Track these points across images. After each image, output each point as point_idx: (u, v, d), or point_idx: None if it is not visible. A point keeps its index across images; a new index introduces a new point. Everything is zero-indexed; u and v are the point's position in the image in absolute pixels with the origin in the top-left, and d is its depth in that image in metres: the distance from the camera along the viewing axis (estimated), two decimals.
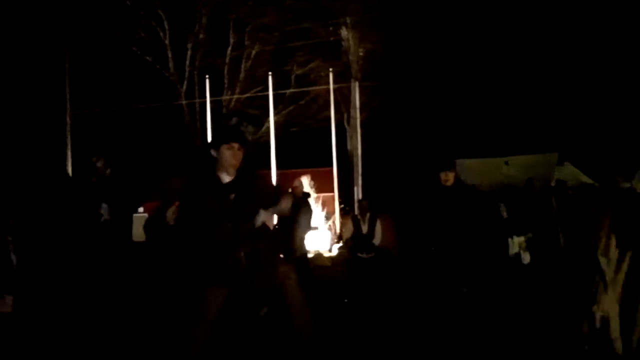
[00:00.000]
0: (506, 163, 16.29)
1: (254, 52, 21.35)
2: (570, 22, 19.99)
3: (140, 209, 7.57)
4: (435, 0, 20.55)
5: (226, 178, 4.02)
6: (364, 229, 9.07)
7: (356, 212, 13.24)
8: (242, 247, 3.95)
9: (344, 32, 21.44)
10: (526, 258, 10.94)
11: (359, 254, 8.90)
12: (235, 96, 20.81)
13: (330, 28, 21.32)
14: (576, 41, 20.15)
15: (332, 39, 21.30)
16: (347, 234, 9.27)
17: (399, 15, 20.11)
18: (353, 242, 9.03)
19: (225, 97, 20.83)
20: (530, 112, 20.70)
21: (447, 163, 6.43)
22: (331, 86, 20.02)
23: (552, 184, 14.96)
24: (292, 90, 21.31)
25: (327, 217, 20.06)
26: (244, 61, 21.56)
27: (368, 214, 9.27)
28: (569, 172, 15.43)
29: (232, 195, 4.00)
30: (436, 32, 20.65)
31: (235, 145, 4.00)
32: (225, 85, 21.39)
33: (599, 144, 18.24)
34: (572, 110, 20.25)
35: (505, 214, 10.83)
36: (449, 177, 6.23)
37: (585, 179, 15.13)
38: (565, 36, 20.34)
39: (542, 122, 20.27)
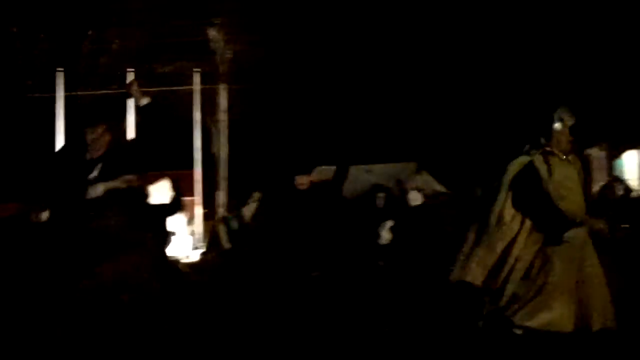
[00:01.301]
0: (367, 171, 16.62)
1: (114, 46, 20.37)
2: (423, 30, 20.63)
3: None
4: (304, 7, 20.61)
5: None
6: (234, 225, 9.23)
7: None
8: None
9: (212, 33, 20.97)
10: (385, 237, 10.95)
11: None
12: (91, 92, 19.73)
13: (198, 27, 20.79)
14: (435, 54, 20.88)
15: (199, 38, 20.74)
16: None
17: (270, 19, 19.97)
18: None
19: (80, 93, 19.69)
20: (391, 121, 21.20)
21: (302, 168, 6.67)
22: (197, 87, 19.59)
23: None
24: (155, 89, 20.54)
25: (188, 222, 19.59)
26: (102, 56, 20.51)
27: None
28: (424, 181, 15.92)
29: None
30: (305, 38, 20.71)
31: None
32: (80, 81, 20.23)
33: (455, 154, 19.04)
34: (430, 121, 20.98)
35: (382, 202, 10.89)
36: (303, 181, 6.43)
37: (439, 187, 15.69)
38: (423, 49, 21.02)
39: (402, 131, 20.84)
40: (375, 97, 21.34)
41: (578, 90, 15.95)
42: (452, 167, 16.68)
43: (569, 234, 4.43)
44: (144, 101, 4.63)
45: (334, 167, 16.03)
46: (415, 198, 10.40)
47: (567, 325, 4.30)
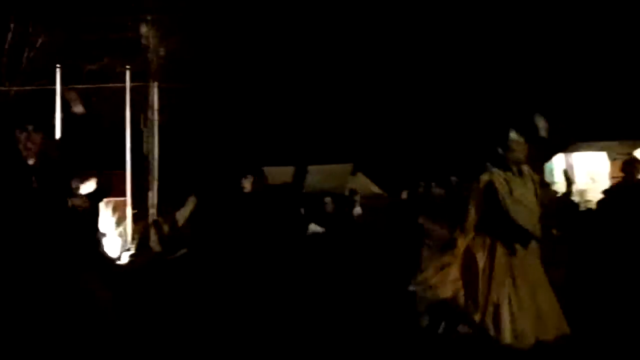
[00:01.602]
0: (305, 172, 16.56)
1: (40, 41, 19.57)
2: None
3: None
4: (240, 4, 20.46)
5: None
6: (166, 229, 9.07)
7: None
8: None
9: (143, 29, 20.45)
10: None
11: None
12: (15, 88, 18.90)
13: (129, 23, 20.23)
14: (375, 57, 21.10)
15: (130, 35, 20.18)
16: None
17: (204, 15, 19.66)
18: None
19: (3, 89, 18.83)
20: (329, 123, 21.29)
21: (246, 170, 6.61)
22: (127, 85, 19.09)
23: (346, 193, 15.45)
24: (83, 86, 19.87)
25: (118, 223, 19.06)
26: (26, 50, 19.67)
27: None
28: (361, 182, 16.03)
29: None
30: (240, 36, 20.55)
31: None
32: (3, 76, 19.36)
33: (391, 157, 19.30)
34: (368, 124, 21.19)
35: (330, 208, 10.92)
36: (246, 185, 6.39)
37: (375, 189, 15.83)
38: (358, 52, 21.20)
39: (339, 133, 20.95)
40: (312, 98, 21.39)
41: (515, 94, 16.48)
42: (388, 169, 16.88)
43: (528, 246, 4.58)
44: (79, 109, 4.46)
45: (283, 168, 15.89)
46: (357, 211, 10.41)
47: (531, 337, 4.37)
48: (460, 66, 19.73)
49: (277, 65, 21.10)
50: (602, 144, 14.73)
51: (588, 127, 14.42)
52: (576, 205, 9.94)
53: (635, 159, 7.75)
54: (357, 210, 9.95)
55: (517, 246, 4.57)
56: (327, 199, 9.33)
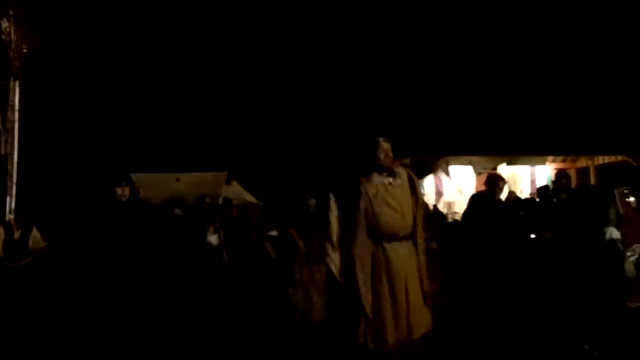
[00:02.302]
0: (177, 180, 16.17)
1: None
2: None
3: None
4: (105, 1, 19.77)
5: None
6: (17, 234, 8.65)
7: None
8: None
9: (4, 24, 19.14)
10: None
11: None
12: None
13: None
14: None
15: None
16: None
17: (68, 12, 18.71)
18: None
19: None
20: (203, 130, 20.90)
21: (122, 178, 6.39)
22: None
23: (220, 201, 15.20)
24: None
25: None
26: None
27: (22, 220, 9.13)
28: (235, 191, 15.86)
29: None
30: (107, 33, 19.84)
31: None
32: None
33: (265, 165, 19.19)
34: (242, 132, 21.01)
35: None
36: (125, 192, 6.15)
37: (250, 198, 15.71)
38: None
39: (214, 141, 20.61)
40: (188, 103, 20.95)
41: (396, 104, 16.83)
42: (263, 178, 16.76)
43: (391, 250, 4.57)
44: None
45: (145, 175, 15.34)
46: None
47: (397, 336, 4.42)
48: (335, 73, 20.04)
49: (145, 64, 20.48)
50: (468, 158, 15.38)
51: (455, 141, 14.97)
52: (444, 216, 10.27)
53: (497, 175, 8.08)
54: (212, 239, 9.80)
55: (389, 249, 4.63)
56: (177, 211, 9.15)
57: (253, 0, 20.89)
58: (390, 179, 4.73)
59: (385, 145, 4.74)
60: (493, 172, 8.99)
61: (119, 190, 6.12)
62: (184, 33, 20.71)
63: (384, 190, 4.69)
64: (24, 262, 8.49)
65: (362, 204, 4.63)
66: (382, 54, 19.48)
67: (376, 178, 4.72)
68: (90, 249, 6.44)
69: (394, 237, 4.63)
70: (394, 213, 4.63)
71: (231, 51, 21.14)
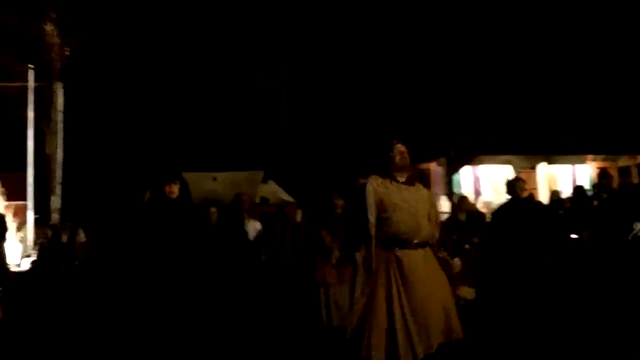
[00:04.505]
0: (214, 179, 16.33)
1: None
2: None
3: None
4: (146, 6, 20.05)
5: None
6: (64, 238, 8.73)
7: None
8: None
9: (48, 28, 19.61)
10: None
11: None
12: None
13: (33, 21, 19.35)
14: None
15: (33, 33, 19.31)
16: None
17: (110, 16, 19.07)
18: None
19: None
20: (240, 130, 21.11)
21: (172, 175, 6.37)
22: (30, 84, 18.40)
23: (257, 200, 15.34)
24: None
25: (18, 228, 18.25)
26: None
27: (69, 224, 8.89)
28: (272, 190, 15.97)
29: None
30: (150, 35, 20.15)
31: None
32: None
33: (301, 165, 19.32)
34: (280, 133, 21.17)
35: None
36: (173, 190, 6.06)
37: (286, 196, 15.80)
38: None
39: (250, 141, 20.81)
40: (224, 104, 21.16)
41: (420, 105, 16.78)
42: (298, 177, 16.87)
43: (403, 256, 4.32)
44: None
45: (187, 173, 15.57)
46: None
47: (409, 354, 4.12)
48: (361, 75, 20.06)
49: (186, 68, 20.77)
50: (505, 157, 15.23)
51: (491, 140, 14.84)
52: (483, 215, 10.19)
53: (514, 179, 7.96)
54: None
55: (402, 255, 4.36)
56: (212, 209, 9.06)
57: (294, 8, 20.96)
58: (404, 181, 4.53)
59: (400, 147, 4.56)
60: (513, 177, 8.79)
61: (167, 188, 6.10)
62: (224, 38, 20.92)
63: (397, 191, 4.48)
64: (72, 264, 8.64)
65: (370, 200, 4.42)
66: (419, 53, 19.41)
67: (389, 178, 4.51)
68: (137, 247, 6.54)
69: (408, 244, 4.37)
70: (407, 217, 4.39)
71: (269, 54, 21.32)
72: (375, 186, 4.48)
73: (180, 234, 6.07)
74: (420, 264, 4.38)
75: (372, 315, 4.26)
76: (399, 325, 4.19)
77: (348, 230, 4.80)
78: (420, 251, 4.41)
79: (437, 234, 4.55)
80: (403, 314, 4.22)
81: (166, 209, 6.05)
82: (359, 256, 4.54)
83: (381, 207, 4.42)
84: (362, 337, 4.22)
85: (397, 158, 4.52)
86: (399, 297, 4.26)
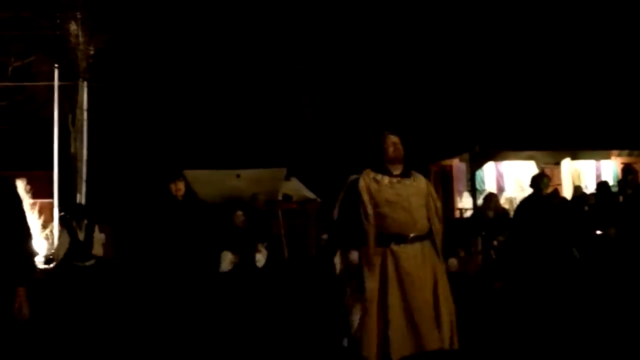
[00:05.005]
0: (238, 176, 16.35)
1: None
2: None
3: None
4: (170, 5, 20.18)
5: None
6: (81, 236, 8.65)
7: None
8: None
9: (72, 27, 19.83)
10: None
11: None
12: None
13: (58, 21, 19.57)
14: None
15: (58, 32, 19.53)
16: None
17: (133, 15, 19.22)
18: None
19: None
20: (262, 127, 21.17)
21: (175, 173, 6.35)
22: (56, 84, 18.59)
23: (279, 197, 15.36)
24: (7, 83, 19.15)
25: (44, 226, 18.44)
26: None
27: (85, 221, 8.79)
28: (294, 187, 15.96)
29: None
30: (171, 35, 20.26)
31: None
32: None
33: (324, 161, 19.33)
34: (302, 130, 21.20)
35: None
36: (179, 187, 6.11)
37: (309, 194, 15.79)
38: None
39: (274, 138, 20.86)
40: (246, 102, 21.24)
41: (437, 100, 16.75)
42: (321, 174, 16.87)
43: (399, 251, 4.22)
44: None
45: (204, 171, 15.62)
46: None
47: (404, 350, 4.06)
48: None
49: (207, 66, 20.86)
50: (529, 153, 15.14)
51: (514, 136, 14.77)
52: (507, 212, 10.16)
53: (538, 174, 7.92)
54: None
55: (398, 250, 4.26)
56: (239, 212, 9.01)
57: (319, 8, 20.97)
58: (398, 174, 4.40)
59: (393, 138, 4.44)
60: (537, 173, 8.71)
61: (173, 187, 6.04)
62: (246, 37, 20.99)
63: (389, 185, 4.36)
64: (88, 263, 8.68)
65: (365, 195, 4.31)
66: (444, 50, 19.35)
67: (382, 172, 4.39)
68: (149, 248, 6.57)
69: (403, 239, 4.26)
70: (401, 212, 4.28)
71: (291, 52, 21.36)
72: (367, 182, 4.37)
73: (193, 237, 6.08)
74: (419, 257, 4.29)
75: (367, 311, 4.20)
76: (392, 320, 4.13)
77: (339, 230, 4.59)
78: (417, 245, 4.31)
79: (438, 226, 4.44)
80: (400, 309, 4.15)
81: (176, 210, 6.02)
82: (353, 255, 4.41)
83: (373, 202, 4.32)
84: (362, 334, 4.19)
85: (390, 150, 4.41)
86: (396, 292, 4.18)
